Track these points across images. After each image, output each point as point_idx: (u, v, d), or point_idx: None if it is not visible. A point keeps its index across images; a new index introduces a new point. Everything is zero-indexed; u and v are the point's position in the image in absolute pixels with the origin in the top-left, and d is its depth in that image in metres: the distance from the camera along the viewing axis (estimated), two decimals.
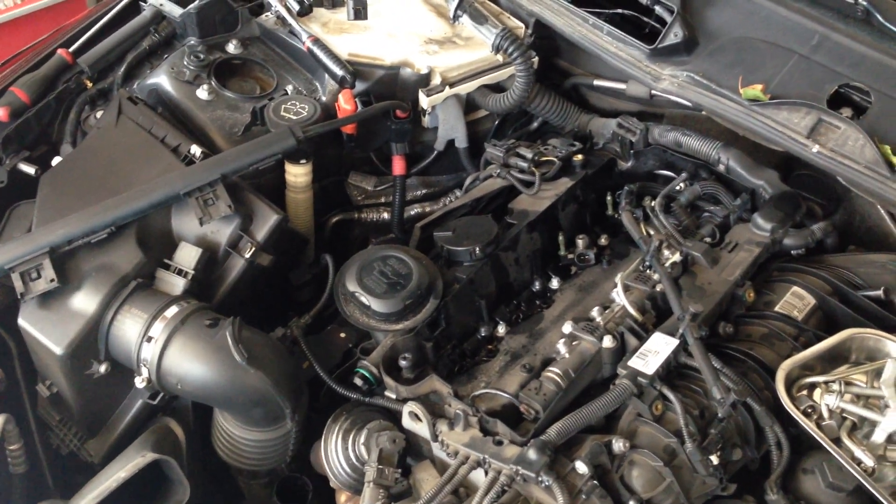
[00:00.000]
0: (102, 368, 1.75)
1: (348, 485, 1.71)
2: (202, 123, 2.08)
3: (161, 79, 2.17)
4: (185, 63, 2.18)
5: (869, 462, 1.49)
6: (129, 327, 1.69)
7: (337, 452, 1.70)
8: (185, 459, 1.79)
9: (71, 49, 2.29)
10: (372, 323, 1.75)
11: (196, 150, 1.92)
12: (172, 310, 1.70)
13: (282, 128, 1.98)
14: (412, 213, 2.36)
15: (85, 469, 1.83)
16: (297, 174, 2.07)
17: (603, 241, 2.02)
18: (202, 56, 2.18)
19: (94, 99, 2.25)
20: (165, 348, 1.66)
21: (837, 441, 1.52)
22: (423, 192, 2.39)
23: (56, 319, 1.71)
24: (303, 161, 2.05)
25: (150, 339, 1.67)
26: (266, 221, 1.87)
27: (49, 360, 1.74)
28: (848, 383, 1.58)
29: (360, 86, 2.18)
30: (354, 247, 2.36)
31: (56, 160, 2.01)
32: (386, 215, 2.35)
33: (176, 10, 2.30)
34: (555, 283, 1.93)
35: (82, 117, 2.22)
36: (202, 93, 2.12)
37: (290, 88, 2.21)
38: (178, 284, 1.77)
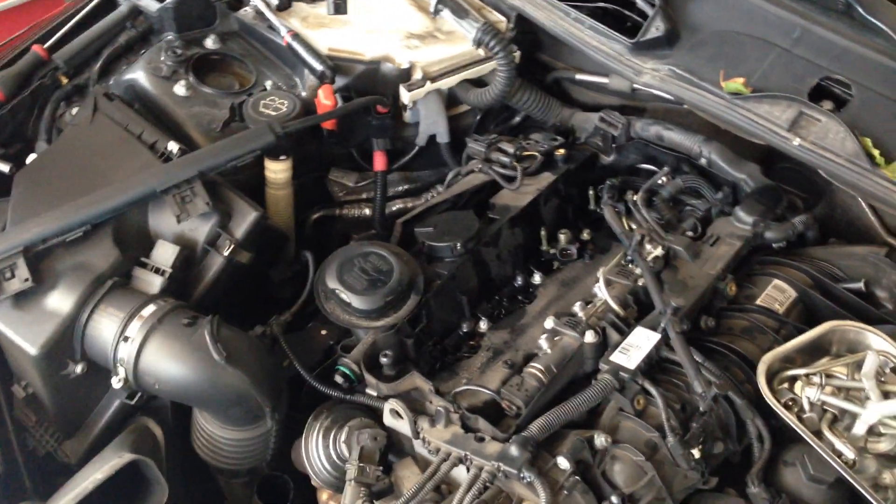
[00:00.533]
0: (78, 368, 1.72)
1: (330, 483, 1.70)
2: (180, 120, 2.05)
3: (138, 74, 2.14)
4: (163, 59, 2.15)
5: (850, 454, 1.50)
6: (105, 327, 1.67)
7: (318, 450, 1.69)
8: (164, 459, 1.77)
9: (46, 45, 2.25)
10: (352, 320, 1.73)
11: (173, 146, 1.89)
12: (149, 309, 1.67)
13: (260, 124, 1.95)
14: (394, 208, 2.34)
15: (62, 470, 1.80)
16: (277, 170, 2.04)
17: (585, 235, 2.01)
18: (179, 51, 2.15)
19: (69, 95, 2.22)
20: (142, 348, 1.63)
21: (818, 433, 1.53)
22: (405, 187, 2.38)
23: (31, 319, 1.68)
24: (282, 157, 2.03)
25: (126, 339, 1.64)
26: (245, 218, 1.85)
27: (24, 361, 1.71)
28: (829, 376, 1.59)
29: (340, 81, 2.16)
30: (336, 243, 2.31)
31: (31, 157, 1.98)
32: (367, 211, 2.33)
33: (153, 5, 2.27)
34: (537, 278, 1.92)
35: (58, 114, 2.19)
36: (180, 88, 2.10)
37: (269, 84, 2.19)
38: (155, 283, 1.74)
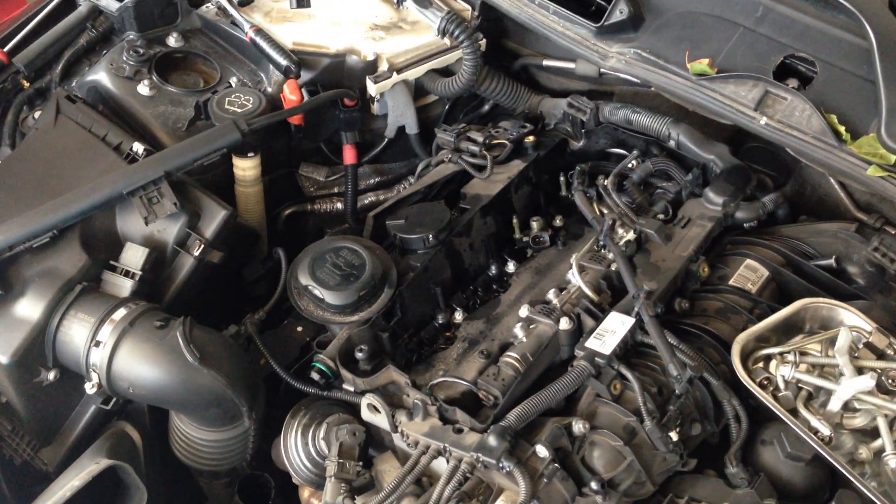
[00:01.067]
0: (51, 375, 1.71)
1: (310, 480, 1.69)
2: (145, 120, 2.03)
3: (100, 75, 2.11)
4: (125, 58, 2.12)
5: (826, 431, 1.51)
6: (76, 332, 1.65)
7: (297, 448, 1.68)
8: (143, 463, 1.76)
9: (6, 49, 2.21)
10: (326, 316, 1.73)
11: (138, 147, 1.87)
12: (120, 312, 1.66)
13: (226, 121, 1.93)
14: (366, 202, 2.33)
15: (40, 478, 1.78)
16: (246, 168, 2.03)
17: (558, 222, 2.01)
18: (142, 51, 2.13)
19: (31, 99, 2.19)
20: (115, 352, 1.62)
21: (794, 411, 1.54)
22: (376, 180, 2.37)
23: (0, 328, 1.66)
24: (250, 154, 2.01)
25: (98, 344, 1.63)
26: (214, 218, 1.84)
27: None
28: (803, 353, 1.60)
29: (305, 75, 2.14)
30: (309, 239, 2.30)
31: None
32: (339, 205, 2.32)
33: (113, 5, 2.23)
34: (511, 266, 1.92)
35: (20, 118, 2.16)
36: (143, 88, 2.07)
37: (234, 81, 2.16)
38: (125, 286, 1.73)
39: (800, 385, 1.57)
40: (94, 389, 1.65)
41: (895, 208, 1.88)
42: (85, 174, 1.83)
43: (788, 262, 1.84)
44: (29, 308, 1.67)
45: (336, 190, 2.33)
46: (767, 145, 1.97)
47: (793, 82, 1.92)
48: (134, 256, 1.75)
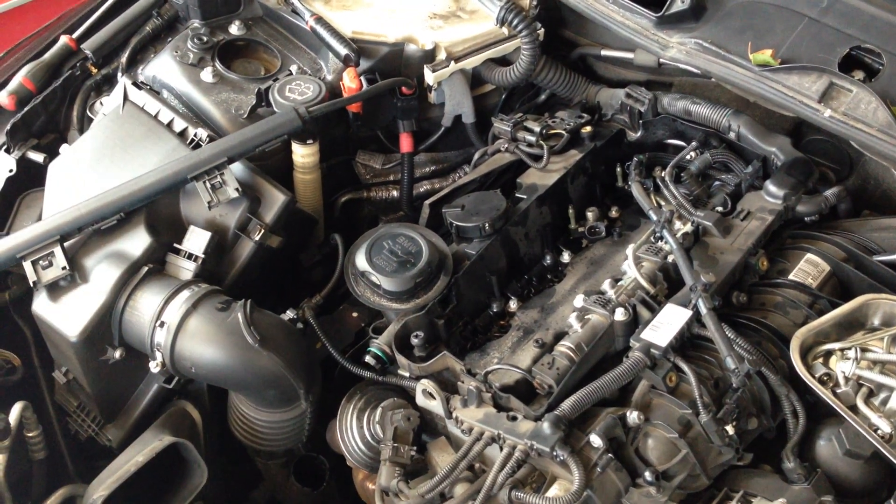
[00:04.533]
0: (117, 354, 1.76)
1: (364, 463, 1.72)
2: (207, 106, 2.07)
3: (165, 62, 2.15)
4: (189, 46, 2.16)
5: (886, 428, 1.48)
6: (141, 312, 1.70)
7: (352, 431, 1.71)
8: (203, 442, 1.80)
9: (74, 35, 2.28)
10: (383, 302, 1.74)
11: (202, 133, 1.91)
12: (184, 294, 1.70)
13: (287, 108, 1.96)
14: (421, 190, 2.34)
15: (104, 453, 1.85)
16: (304, 154, 2.06)
17: (613, 213, 2.00)
18: (205, 38, 2.17)
19: (99, 85, 2.25)
20: (178, 332, 1.66)
21: (854, 408, 1.51)
22: (432, 168, 2.37)
23: (69, 307, 1.72)
24: (309, 141, 2.04)
25: (162, 324, 1.67)
26: (274, 203, 1.87)
27: (64, 347, 1.75)
28: (864, 350, 1.57)
29: (364, 64, 2.16)
30: (364, 226, 2.36)
31: (64, 148, 2.01)
32: (395, 193, 2.33)
33: None
34: (566, 256, 1.92)
35: (88, 104, 2.22)
36: (206, 75, 2.11)
37: (294, 68, 2.19)
38: (188, 268, 1.77)
39: (860, 381, 1.54)
40: (158, 368, 1.70)
41: None
42: (150, 159, 1.88)
43: (850, 257, 1.80)
44: (96, 288, 1.73)
45: (392, 178, 2.35)
46: (830, 138, 1.93)
47: (858, 74, 1.89)
48: (197, 240, 1.79)
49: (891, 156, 1.77)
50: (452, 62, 2.17)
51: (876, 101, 1.78)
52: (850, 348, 1.56)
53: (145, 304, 1.69)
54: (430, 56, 2.18)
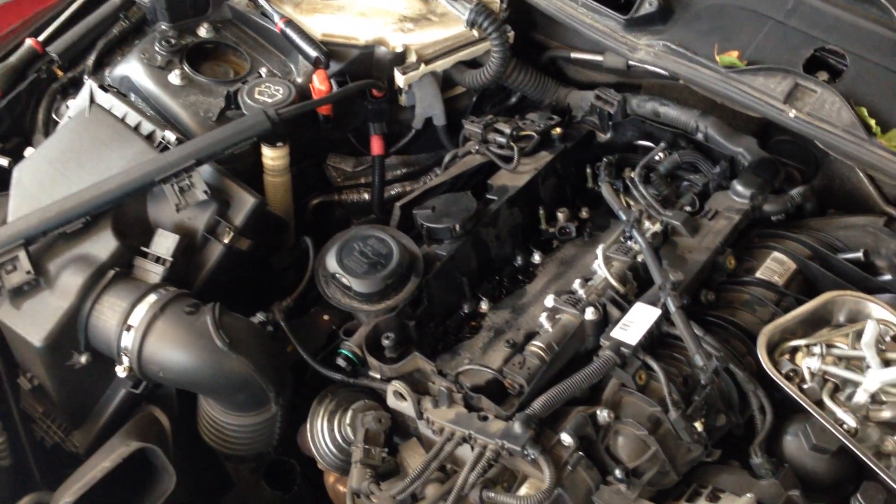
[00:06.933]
0: (83, 359, 1.73)
1: (336, 466, 1.71)
2: (175, 109, 2.05)
3: (132, 65, 2.13)
4: (157, 48, 2.14)
5: (852, 423, 1.50)
6: (108, 317, 1.68)
7: (323, 434, 1.70)
8: (171, 447, 1.78)
9: (40, 38, 2.24)
10: (353, 304, 1.74)
11: (170, 136, 1.90)
12: (151, 297, 1.68)
13: (256, 111, 1.95)
14: (392, 192, 2.34)
15: (71, 460, 1.81)
16: (274, 157, 2.04)
17: (584, 213, 2.01)
18: (174, 41, 2.15)
19: (65, 88, 2.22)
20: (146, 336, 1.64)
21: (820, 403, 1.53)
22: (403, 171, 2.37)
23: (33, 312, 1.69)
24: (279, 144, 2.02)
25: (129, 328, 1.65)
26: (243, 206, 1.86)
27: (29, 353, 1.72)
28: (829, 346, 1.59)
29: (334, 66, 2.15)
30: (336, 229, 2.29)
31: (29, 151, 1.98)
32: (366, 196, 2.33)
33: None
34: (536, 257, 1.92)
35: (54, 107, 2.19)
36: (175, 78, 2.09)
37: (263, 71, 2.18)
38: (156, 272, 1.75)
39: (826, 377, 1.57)
40: (125, 373, 1.68)
41: None
42: (117, 162, 1.85)
43: (816, 256, 1.83)
44: (62, 292, 1.70)
45: (363, 180, 2.34)
46: (796, 138, 1.95)
47: (823, 75, 1.91)
48: (165, 243, 1.78)
49: (855, 155, 1.80)
50: (423, 64, 2.17)
51: (840, 102, 1.80)
52: (815, 344, 1.59)
53: (112, 308, 1.67)
54: (400, 58, 2.18)
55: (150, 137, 1.91)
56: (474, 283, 1.86)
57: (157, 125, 1.93)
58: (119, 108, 1.95)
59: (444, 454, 1.51)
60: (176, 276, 1.79)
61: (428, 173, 2.36)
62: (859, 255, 1.81)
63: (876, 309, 1.62)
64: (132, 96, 2.10)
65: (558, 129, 2.09)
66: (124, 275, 1.74)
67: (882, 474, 1.43)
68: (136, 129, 1.93)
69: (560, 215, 1.98)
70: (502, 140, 2.04)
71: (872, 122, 1.78)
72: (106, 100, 1.97)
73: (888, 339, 1.58)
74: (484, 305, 1.81)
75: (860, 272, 1.78)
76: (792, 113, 1.83)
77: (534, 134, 2.06)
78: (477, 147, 2.07)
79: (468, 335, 1.77)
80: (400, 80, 2.16)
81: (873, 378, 1.51)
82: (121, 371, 1.68)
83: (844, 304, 1.65)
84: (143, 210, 1.84)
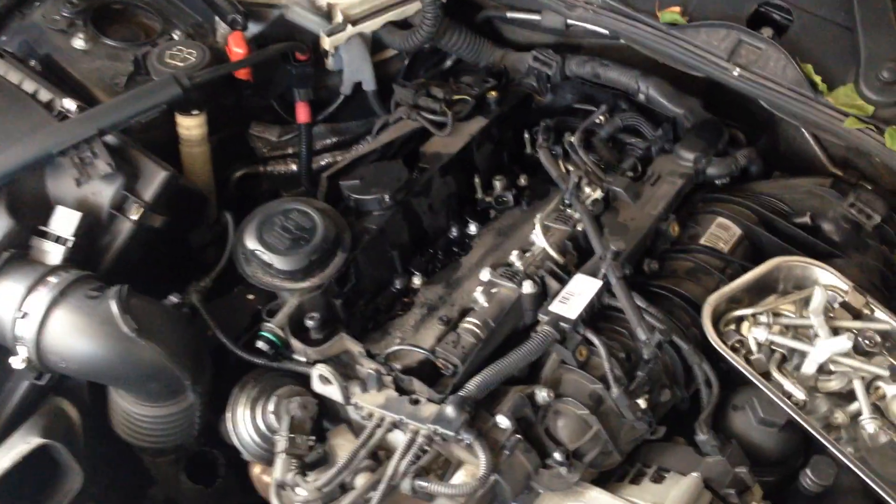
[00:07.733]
0: None
1: (260, 456, 1.61)
2: (80, 76, 1.91)
3: (32, 28, 1.99)
4: (59, 10, 1.99)
5: (800, 395, 1.47)
6: (2, 303, 1.53)
7: (245, 423, 1.60)
8: (82, 441, 1.66)
9: None
10: (276, 282, 1.63)
11: (70, 104, 1.74)
12: (50, 281, 1.54)
13: (165, 76, 1.81)
14: (322, 163, 2.22)
15: None
16: (190, 126, 1.91)
17: (522, 181, 1.94)
18: (77, 1, 1.99)
19: None
20: (44, 324, 1.50)
21: (767, 375, 1.50)
22: (333, 140, 2.25)
23: None
24: (195, 112, 1.89)
25: (25, 315, 1.51)
26: (154, 179, 1.72)
27: None
28: (776, 314, 1.56)
29: (254, 28, 2.02)
30: (263, 202, 2.22)
31: None
32: (294, 167, 2.20)
33: None
34: (472, 228, 1.84)
35: None
36: (78, 42, 1.95)
37: (177, 34, 2.04)
38: (56, 253, 1.61)
39: (773, 347, 1.53)
40: (23, 364, 1.54)
41: (872, 162, 1.83)
42: (11, 134, 1.69)
43: (762, 220, 1.78)
44: None
45: (290, 150, 2.21)
46: (740, 98, 1.88)
47: (767, 31, 1.84)
48: (65, 221, 1.63)
49: (800, 114, 1.75)
50: (350, 25, 2.06)
51: (785, 59, 1.75)
52: (762, 313, 1.55)
53: (6, 293, 1.53)
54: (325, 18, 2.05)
55: (48, 106, 1.76)
56: (406, 257, 1.77)
57: (55, 93, 1.77)
58: (14, 74, 1.80)
59: (374, 441, 1.44)
60: (79, 258, 1.64)
61: (359, 142, 2.24)
62: (806, 219, 1.78)
63: (823, 275, 1.59)
64: (32, 62, 1.94)
65: (494, 93, 2.00)
66: (20, 256, 1.59)
67: (831, 447, 1.40)
68: (34, 96, 1.77)
69: (497, 183, 1.90)
70: (435, 105, 1.95)
71: (819, 79, 1.72)
72: (1, 66, 1.81)
73: (836, 305, 1.55)
74: (416, 280, 1.73)
75: (807, 236, 1.75)
76: (736, 71, 1.77)
77: (469, 98, 1.97)
78: (408, 113, 1.97)
79: (400, 312, 1.69)
80: (325, 42, 2.05)
81: (822, 348, 1.47)
82: (17, 362, 1.54)
83: (791, 270, 1.61)
84: (41, 185, 1.69)
